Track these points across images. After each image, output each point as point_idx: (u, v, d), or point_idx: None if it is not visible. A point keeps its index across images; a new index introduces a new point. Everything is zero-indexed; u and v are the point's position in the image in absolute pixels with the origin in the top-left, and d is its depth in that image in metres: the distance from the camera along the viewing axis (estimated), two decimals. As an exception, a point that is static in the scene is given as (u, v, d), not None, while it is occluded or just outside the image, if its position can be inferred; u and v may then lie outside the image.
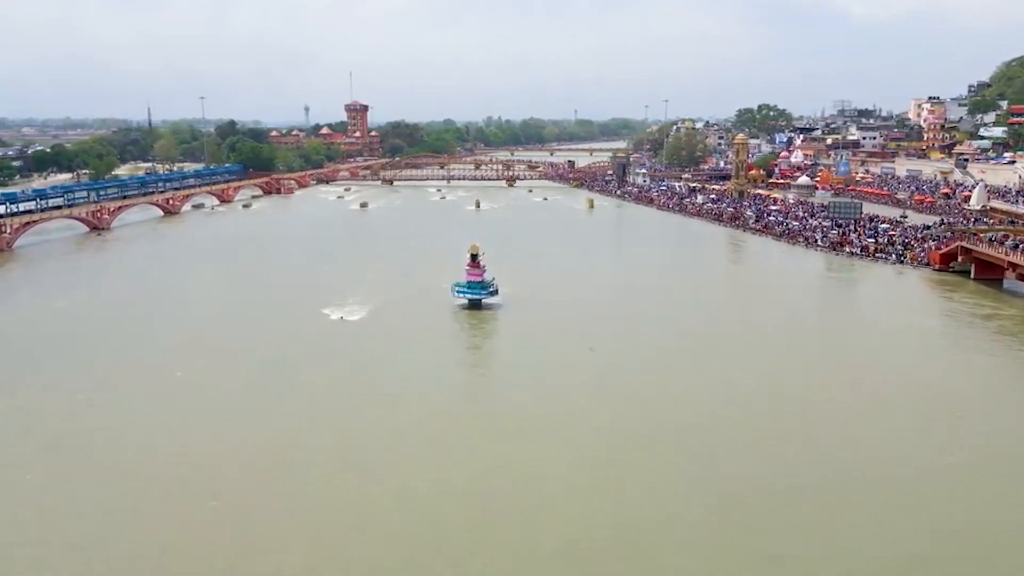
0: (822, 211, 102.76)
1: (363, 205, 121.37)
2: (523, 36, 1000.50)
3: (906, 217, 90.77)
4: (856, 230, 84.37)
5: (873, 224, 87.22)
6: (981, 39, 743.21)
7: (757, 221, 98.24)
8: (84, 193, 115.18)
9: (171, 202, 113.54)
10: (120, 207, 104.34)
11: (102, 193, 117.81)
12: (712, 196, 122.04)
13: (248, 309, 57.79)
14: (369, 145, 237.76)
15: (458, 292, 57.22)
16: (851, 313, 59.75)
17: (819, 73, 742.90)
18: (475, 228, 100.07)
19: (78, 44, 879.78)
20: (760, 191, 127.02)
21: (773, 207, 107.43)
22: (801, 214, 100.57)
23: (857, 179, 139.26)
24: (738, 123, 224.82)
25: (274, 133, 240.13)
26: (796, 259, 78.64)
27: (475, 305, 56.79)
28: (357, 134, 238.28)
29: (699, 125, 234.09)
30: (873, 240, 79.19)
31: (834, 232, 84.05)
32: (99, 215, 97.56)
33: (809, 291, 67.25)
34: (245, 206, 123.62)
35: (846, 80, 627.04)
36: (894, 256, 74.52)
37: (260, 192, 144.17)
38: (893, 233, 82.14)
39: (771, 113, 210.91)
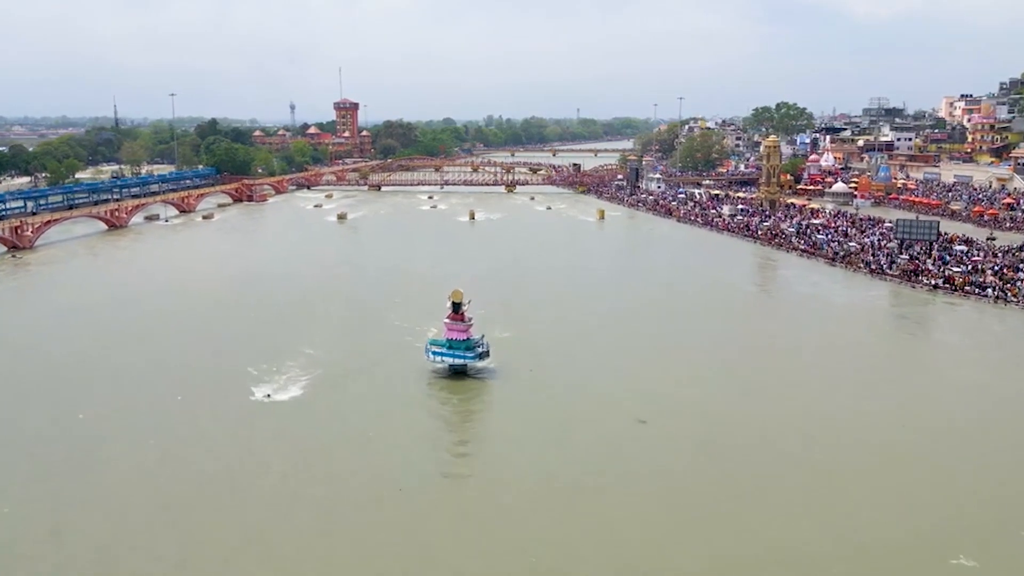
0: (871, 224, 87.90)
1: (341, 217, 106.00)
2: (525, 34, 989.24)
3: (994, 238, 75.23)
4: (931, 253, 69.31)
5: (943, 244, 72.13)
6: (986, 37, 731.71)
7: (800, 237, 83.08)
8: (20, 203, 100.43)
9: (116, 214, 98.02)
10: (48, 221, 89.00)
11: (42, 203, 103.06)
12: (740, 206, 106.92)
13: (136, 385, 41.14)
14: (360, 146, 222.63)
15: (434, 353, 42.07)
16: (962, 383, 44.41)
17: (824, 72, 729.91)
18: (466, 247, 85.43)
19: (80, 43, 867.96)
20: (793, 200, 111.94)
21: (815, 220, 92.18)
22: (850, 230, 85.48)
23: (898, 186, 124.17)
24: (754, 122, 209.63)
25: (258, 133, 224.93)
26: (865, 293, 63.34)
27: (458, 372, 41.71)
28: (346, 134, 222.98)
29: (711, 124, 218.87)
30: (960, 269, 63.96)
31: (903, 257, 68.89)
32: (20, 232, 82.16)
33: (889, 341, 52.08)
34: (206, 217, 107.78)
35: (852, 80, 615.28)
36: (991, 291, 59.20)
37: (229, 200, 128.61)
38: (978, 259, 67.04)
39: (791, 112, 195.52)
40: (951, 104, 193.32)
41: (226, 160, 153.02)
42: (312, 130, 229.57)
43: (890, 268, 67.50)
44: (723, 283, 67.66)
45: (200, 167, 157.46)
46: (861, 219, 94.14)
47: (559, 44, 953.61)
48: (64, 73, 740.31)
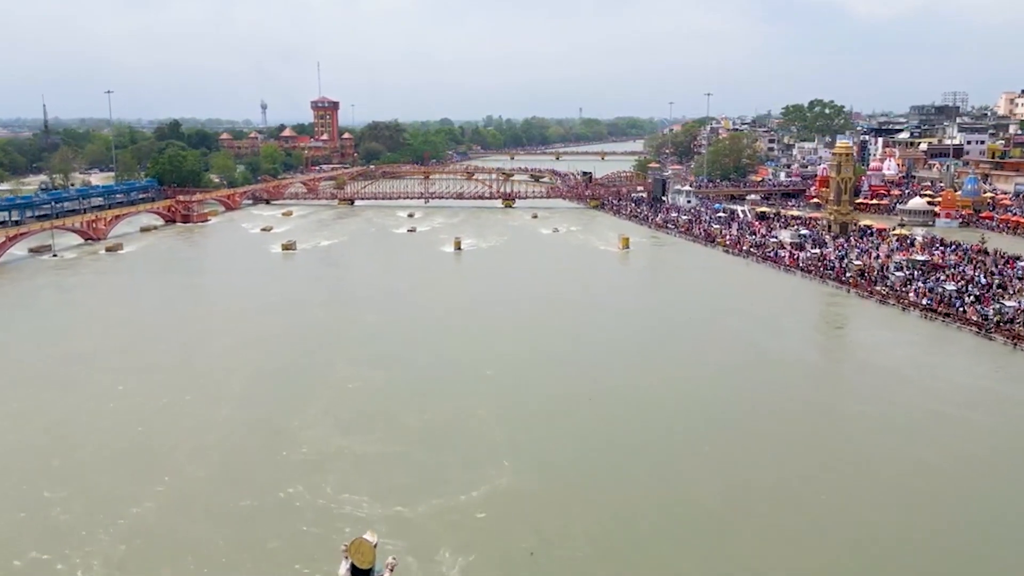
0: (997, 262, 64.05)
1: (287, 247, 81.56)
2: (525, 34, 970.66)
3: None
4: None
5: None
6: (988, 37, 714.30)
7: (911, 284, 58.85)
8: None
9: (-19, 248, 73.83)
10: None
11: None
12: (801, 230, 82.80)
13: None
14: (340, 150, 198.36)
15: None
16: None
17: (825, 72, 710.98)
18: (441, 301, 57.20)
19: (80, 43, 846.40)
20: (868, 221, 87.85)
21: (918, 256, 67.90)
22: (970, 271, 61.41)
23: (988, 200, 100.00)
24: (785, 122, 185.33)
25: (224, 135, 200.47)
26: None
27: None
28: (325, 136, 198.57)
29: (733, 124, 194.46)
30: None
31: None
32: None
33: None
34: (110, 249, 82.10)
35: (853, 79, 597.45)
36: None
37: (161, 220, 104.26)
38: None
39: (826, 111, 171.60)
40: (1012, 101, 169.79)
41: (170, 169, 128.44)
42: (287, 132, 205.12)
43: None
44: (830, 375, 43.58)
45: (144, 177, 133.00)
46: (976, 252, 70.02)
47: (559, 44, 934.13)
48: (64, 73, 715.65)
